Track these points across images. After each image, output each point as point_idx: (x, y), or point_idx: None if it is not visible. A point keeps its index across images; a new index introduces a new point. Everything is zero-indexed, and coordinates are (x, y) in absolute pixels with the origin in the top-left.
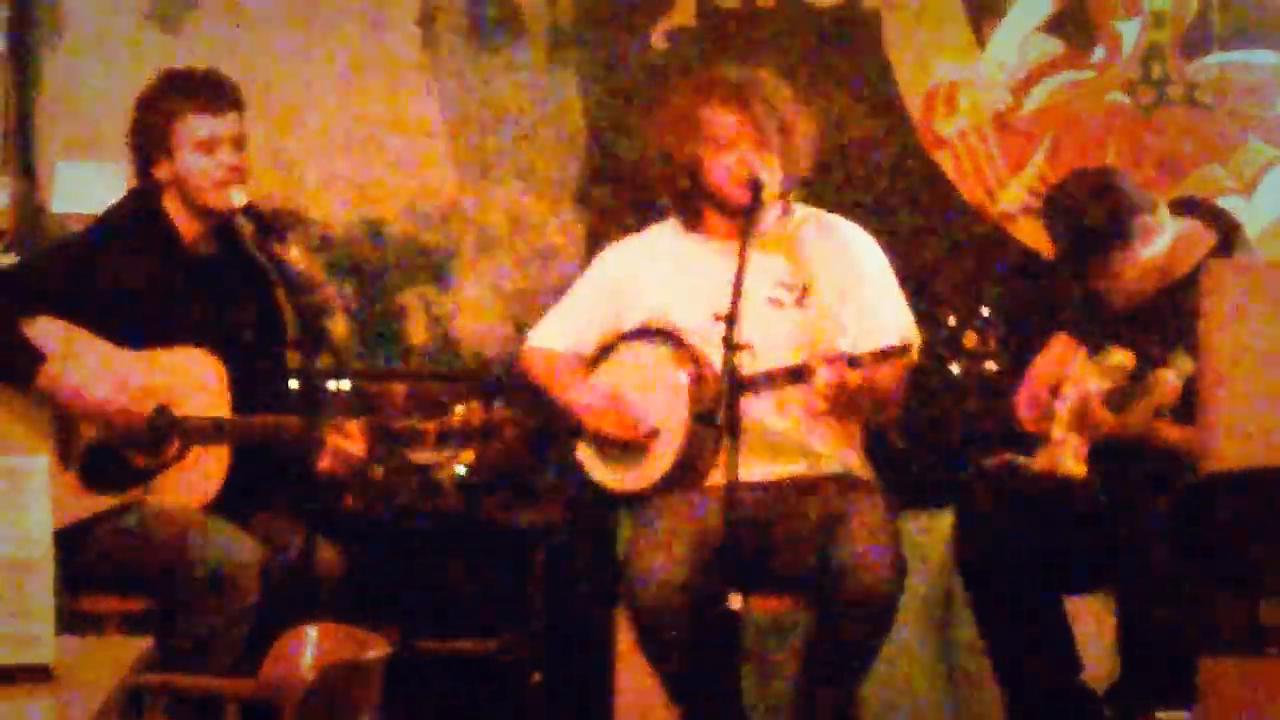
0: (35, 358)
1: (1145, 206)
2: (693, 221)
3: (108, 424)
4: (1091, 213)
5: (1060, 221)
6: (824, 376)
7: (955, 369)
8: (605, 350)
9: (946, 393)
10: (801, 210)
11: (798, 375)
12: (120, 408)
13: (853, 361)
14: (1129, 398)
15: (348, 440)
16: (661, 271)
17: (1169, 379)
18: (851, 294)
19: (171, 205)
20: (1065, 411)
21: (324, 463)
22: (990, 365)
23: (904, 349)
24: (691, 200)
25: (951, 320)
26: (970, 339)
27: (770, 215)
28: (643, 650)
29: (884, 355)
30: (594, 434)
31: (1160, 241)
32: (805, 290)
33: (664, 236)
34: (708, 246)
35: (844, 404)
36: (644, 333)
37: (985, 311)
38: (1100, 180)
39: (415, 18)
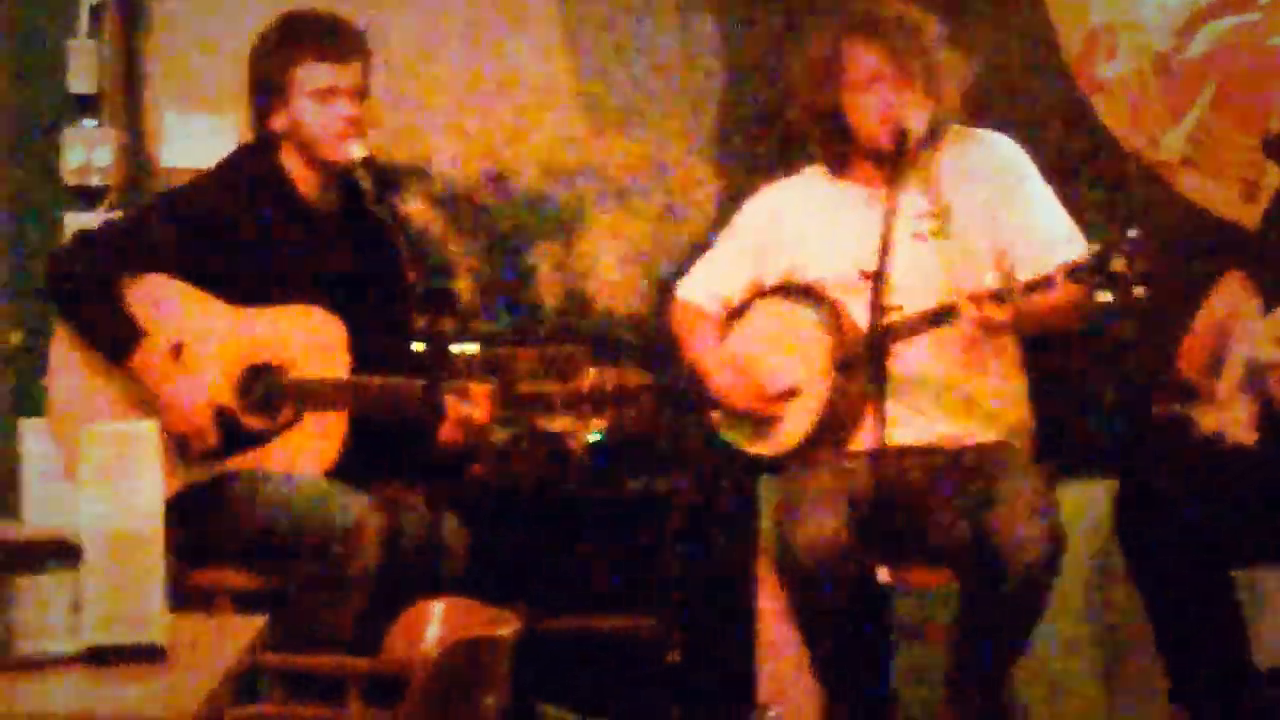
0: (133, 335)
1: None
2: (838, 167)
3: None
4: None
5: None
6: (971, 314)
7: (1103, 297)
8: (742, 308)
9: (1107, 347)
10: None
11: (942, 317)
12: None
13: (998, 296)
14: None
15: (472, 406)
16: (805, 220)
17: None
18: (1004, 210)
19: (289, 158)
20: (1235, 369)
21: (446, 429)
22: (1139, 291)
23: (1049, 281)
24: (835, 145)
25: (1099, 245)
26: (1118, 263)
27: (919, 154)
28: (793, 618)
29: (1033, 287)
30: (726, 407)
31: None
32: (944, 216)
33: (810, 183)
34: (854, 194)
35: (999, 335)
36: (782, 289)
37: (1133, 233)
38: None
39: None
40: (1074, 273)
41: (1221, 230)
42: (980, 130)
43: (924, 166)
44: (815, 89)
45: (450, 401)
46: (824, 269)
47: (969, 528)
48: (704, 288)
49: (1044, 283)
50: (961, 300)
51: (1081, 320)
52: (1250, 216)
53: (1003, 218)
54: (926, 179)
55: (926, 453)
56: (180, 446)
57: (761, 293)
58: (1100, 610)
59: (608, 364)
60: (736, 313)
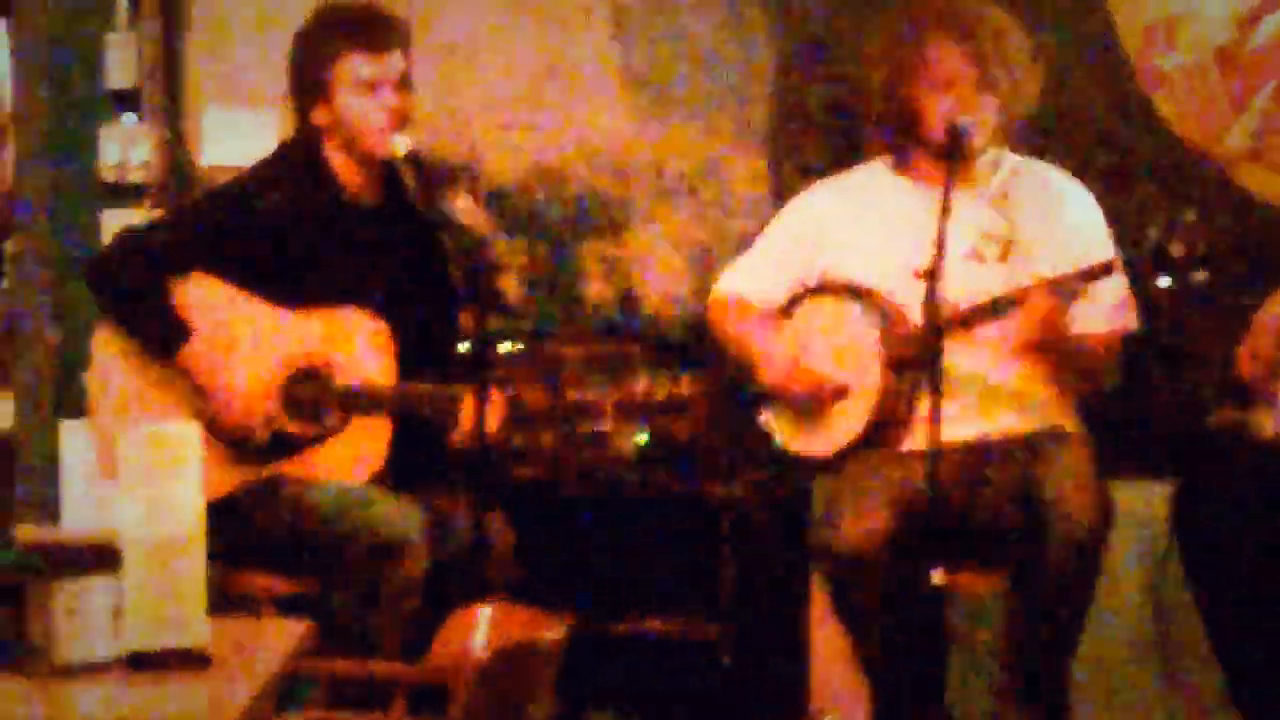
0: (180, 331)
1: None
2: (902, 164)
3: (231, 431)
4: None
5: None
6: (1030, 307)
7: (1163, 283)
8: (790, 305)
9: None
10: (1013, 159)
11: (997, 309)
12: (246, 411)
13: (1054, 286)
14: None
15: (491, 411)
16: (861, 215)
17: None
18: (1062, 250)
19: (333, 153)
20: None
21: (457, 433)
22: (1199, 275)
23: (1107, 267)
24: (899, 138)
25: (1154, 231)
26: (1177, 247)
27: (981, 162)
28: (840, 623)
29: (1087, 275)
30: (778, 393)
31: None
32: (1009, 246)
33: (870, 177)
34: (913, 192)
35: (1050, 350)
36: (831, 286)
37: (1190, 217)
38: None
39: None
40: (1128, 262)
41: None
42: (1063, 176)
43: (994, 185)
44: (890, 80)
45: (462, 405)
46: (877, 266)
47: (1019, 510)
48: (750, 281)
49: (1101, 270)
50: (1016, 292)
51: (1114, 370)
52: None
53: (1061, 259)
54: (996, 201)
55: (980, 448)
56: (232, 444)
57: (809, 290)
58: (1158, 613)
59: (658, 370)
60: (784, 311)
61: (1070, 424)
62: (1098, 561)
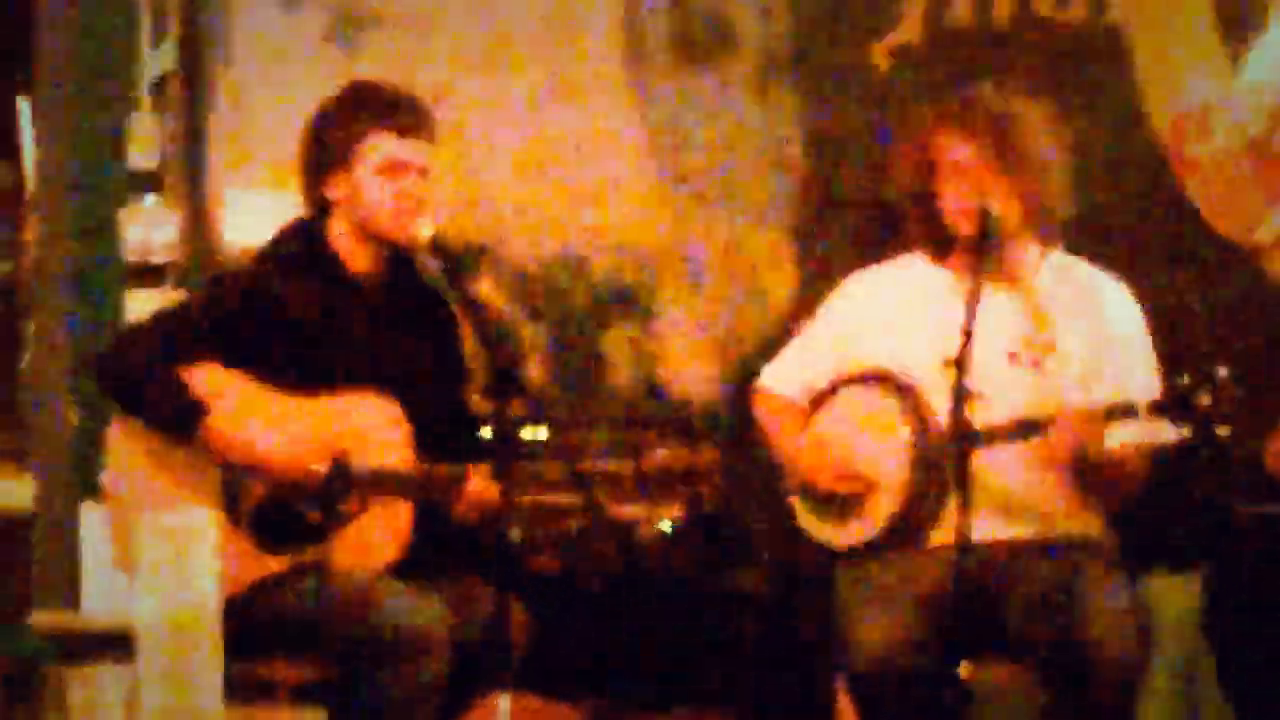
0: (198, 409)
1: None
2: (939, 255)
3: (281, 479)
4: None
5: None
6: (1059, 432)
7: (1186, 432)
8: (827, 394)
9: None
10: (1058, 258)
11: (1030, 429)
12: (292, 459)
13: (1085, 416)
14: None
15: (483, 485)
16: (899, 305)
17: None
18: (1101, 361)
19: (338, 230)
20: None
21: (459, 508)
22: (1223, 431)
23: (1131, 409)
24: (931, 232)
25: (1186, 379)
26: (1204, 400)
27: (1023, 258)
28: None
29: (1118, 412)
30: (808, 486)
31: None
32: (1047, 349)
33: (908, 267)
34: (950, 284)
35: (1078, 467)
36: (867, 377)
37: (1223, 372)
38: None
39: (618, 33)
40: (1158, 405)
41: None
42: (1100, 274)
43: (1035, 284)
44: (911, 176)
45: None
46: (911, 357)
47: (1053, 626)
48: (789, 375)
49: (1127, 409)
50: (1050, 415)
51: (1146, 481)
52: None
53: (1100, 366)
54: (1036, 301)
55: (1005, 547)
56: (258, 533)
57: (846, 380)
58: (1187, 707)
59: (678, 444)
60: (821, 398)
61: (1098, 531)
62: (1137, 691)
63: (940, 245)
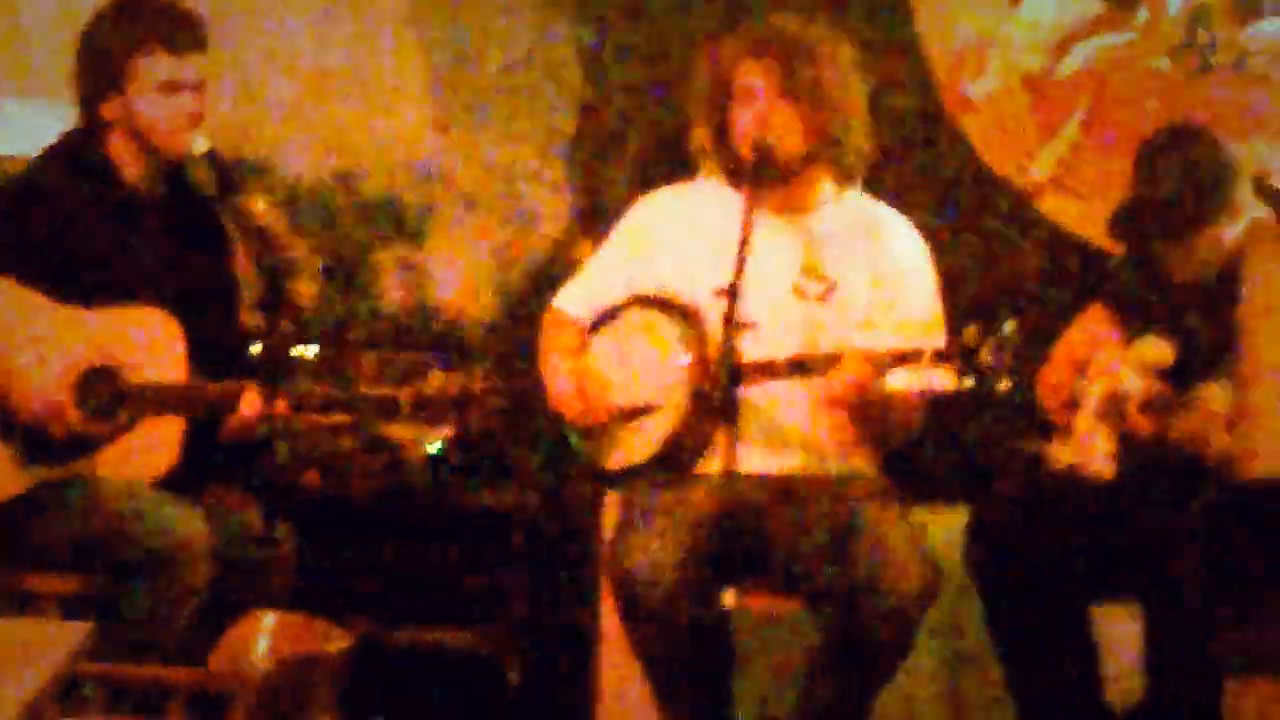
0: None
1: (1237, 181)
2: (734, 182)
3: (40, 394)
4: (1197, 174)
5: (1157, 172)
6: (838, 373)
7: (968, 382)
8: (615, 311)
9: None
10: (853, 196)
11: (808, 368)
12: (63, 371)
13: (866, 359)
14: (1171, 408)
15: (254, 402)
16: (692, 228)
17: (1217, 394)
18: (886, 298)
19: (118, 145)
20: (1094, 402)
21: (230, 425)
22: (1004, 385)
23: (917, 353)
24: (723, 158)
25: (971, 331)
26: (986, 354)
27: (812, 192)
28: (629, 642)
29: (901, 358)
30: (561, 416)
31: (1241, 222)
32: (829, 284)
33: (708, 190)
34: (740, 211)
35: (856, 409)
36: (652, 299)
37: (1008, 327)
38: (1208, 140)
39: None
40: (941, 355)
41: (1088, 256)
42: (890, 212)
43: (828, 221)
44: (707, 101)
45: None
46: (693, 282)
47: (833, 562)
48: (580, 295)
49: (912, 355)
50: (825, 356)
51: (921, 423)
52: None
53: (885, 304)
54: (827, 238)
55: (777, 480)
56: (24, 443)
57: (632, 301)
58: (950, 637)
59: (452, 369)
60: (608, 316)
61: (871, 469)
62: (917, 626)
63: (733, 172)
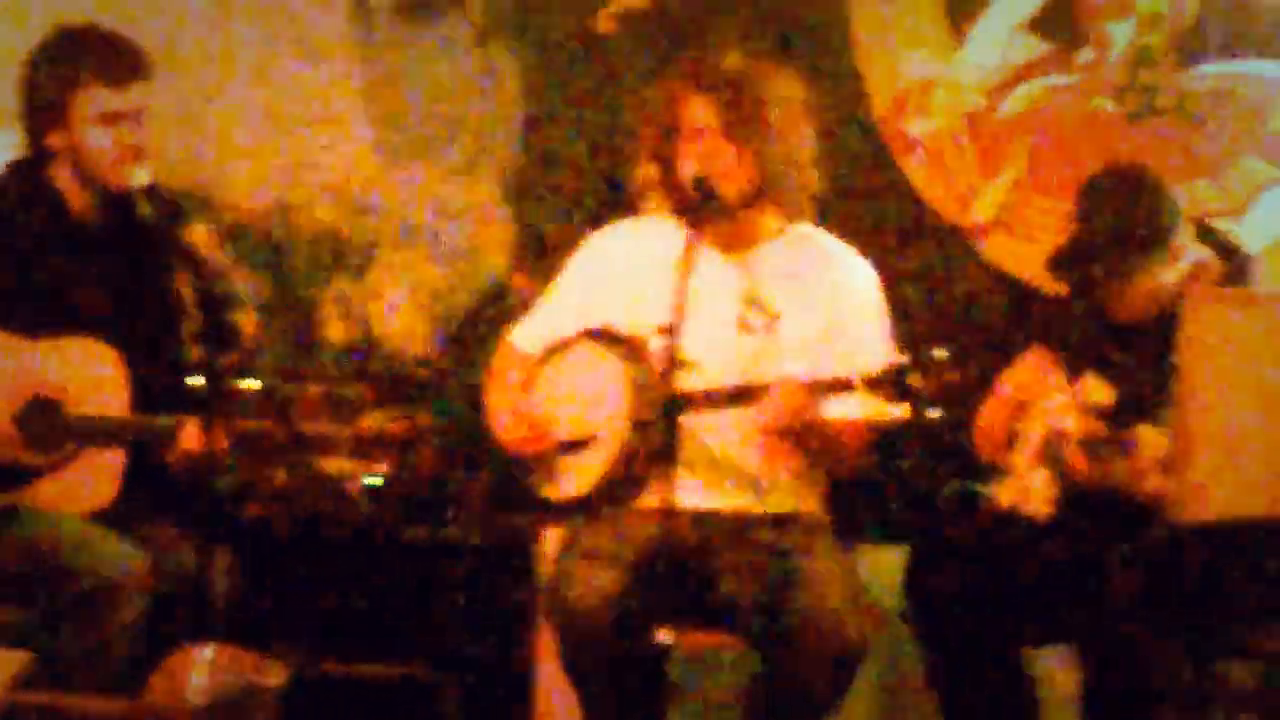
0: None
1: (1179, 223)
2: (681, 218)
3: None
4: (1139, 214)
5: (1099, 212)
6: (771, 400)
7: (897, 411)
8: (564, 345)
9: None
10: (801, 229)
11: (742, 396)
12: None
13: (803, 387)
14: (1109, 451)
15: (189, 436)
16: (637, 264)
17: (1154, 438)
18: (831, 333)
19: (61, 175)
20: (1034, 442)
21: (172, 458)
22: (933, 413)
23: (847, 383)
24: (670, 195)
25: (904, 358)
26: (917, 380)
27: (755, 227)
28: (566, 675)
29: (833, 385)
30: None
31: (1182, 264)
32: (773, 318)
33: (653, 228)
34: (696, 250)
35: (796, 437)
36: (600, 334)
37: (939, 354)
38: (1150, 181)
39: None
40: (872, 382)
41: (1028, 297)
42: (841, 247)
43: (772, 253)
44: (654, 138)
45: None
46: (639, 318)
47: (771, 603)
48: (532, 331)
49: (843, 384)
50: (762, 383)
51: (865, 452)
52: (1059, 284)
53: (831, 336)
54: (771, 270)
55: (716, 517)
56: None
57: (581, 336)
58: (888, 674)
59: (393, 407)
60: (557, 349)
61: (813, 508)
62: (856, 669)
63: (679, 209)
